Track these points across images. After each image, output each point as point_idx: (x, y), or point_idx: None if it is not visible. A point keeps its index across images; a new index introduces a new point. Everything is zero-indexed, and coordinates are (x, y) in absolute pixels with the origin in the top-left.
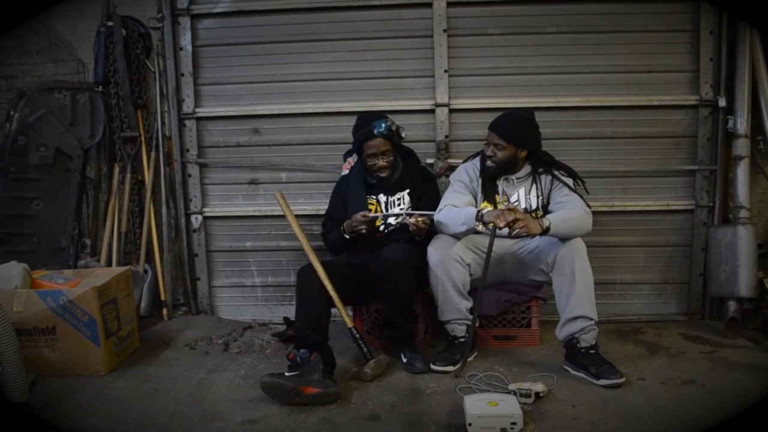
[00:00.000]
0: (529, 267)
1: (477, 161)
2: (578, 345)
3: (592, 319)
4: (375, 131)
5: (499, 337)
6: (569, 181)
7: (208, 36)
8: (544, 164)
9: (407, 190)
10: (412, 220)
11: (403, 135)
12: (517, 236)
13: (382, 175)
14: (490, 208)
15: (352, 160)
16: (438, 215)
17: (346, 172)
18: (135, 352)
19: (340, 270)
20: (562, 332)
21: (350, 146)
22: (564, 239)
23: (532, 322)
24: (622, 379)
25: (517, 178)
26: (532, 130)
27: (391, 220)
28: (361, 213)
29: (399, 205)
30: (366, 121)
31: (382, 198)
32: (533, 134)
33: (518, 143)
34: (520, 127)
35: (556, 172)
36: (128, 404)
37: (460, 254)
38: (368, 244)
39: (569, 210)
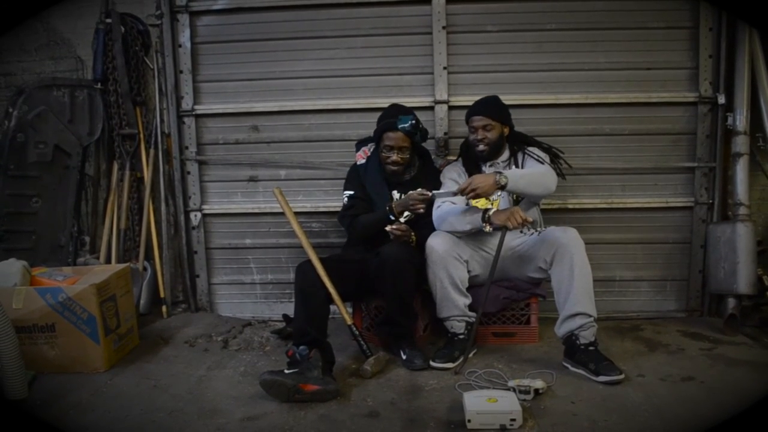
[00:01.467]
0: (528, 264)
1: (459, 161)
2: (577, 342)
3: (591, 316)
4: (398, 125)
5: (498, 334)
6: (545, 157)
7: (207, 33)
8: (518, 143)
9: (419, 190)
10: (388, 228)
11: (426, 136)
12: (476, 195)
13: (393, 168)
14: (494, 207)
15: (367, 149)
16: (437, 212)
17: (362, 161)
18: (134, 349)
19: (339, 267)
20: (562, 329)
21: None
22: (560, 237)
23: (532, 319)
24: (622, 376)
25: (502, 162)
26: (505, 108)
27: (402, 218)
28: (418, 191)
29: None
30: (394, 112)
31: (396, 195)
32: (507, 111)
33: (501, 119)
34: (497, 105)
35: (528, 149)
36: (127, 401)
37: (459, 251)
38: (380, 238)
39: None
